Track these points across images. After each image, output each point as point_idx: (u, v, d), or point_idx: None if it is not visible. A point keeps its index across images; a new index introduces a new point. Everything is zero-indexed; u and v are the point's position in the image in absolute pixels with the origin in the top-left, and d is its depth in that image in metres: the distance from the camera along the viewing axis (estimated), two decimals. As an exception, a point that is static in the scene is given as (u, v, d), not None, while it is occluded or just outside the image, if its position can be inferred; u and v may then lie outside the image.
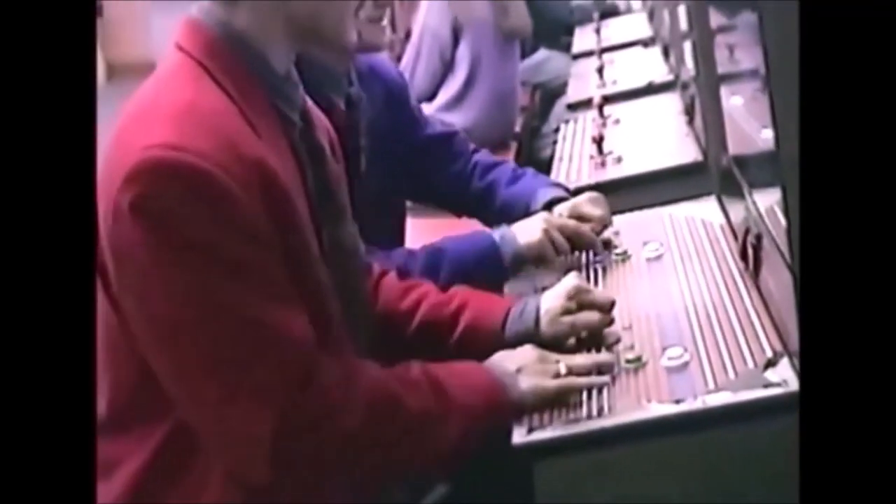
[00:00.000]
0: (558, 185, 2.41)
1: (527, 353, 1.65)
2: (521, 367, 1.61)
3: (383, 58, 2.41)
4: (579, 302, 1.75)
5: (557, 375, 1.60)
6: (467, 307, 1.81)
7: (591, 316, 1.73)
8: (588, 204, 2.21)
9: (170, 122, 1.43)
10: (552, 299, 1.77)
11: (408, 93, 2.41)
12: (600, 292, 1.82)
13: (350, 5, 1.61)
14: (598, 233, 2.14)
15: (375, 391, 1.51)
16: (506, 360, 1.64)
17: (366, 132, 2.17)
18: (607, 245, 2.12)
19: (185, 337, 1.42)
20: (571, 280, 1.79)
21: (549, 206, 2.25)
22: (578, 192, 2.34)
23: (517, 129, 4.68)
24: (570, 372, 1.60)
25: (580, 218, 2.17)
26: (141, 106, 1.50)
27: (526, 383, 1.59)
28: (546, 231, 2.09)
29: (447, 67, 4.26)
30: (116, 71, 9.71)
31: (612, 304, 1.75)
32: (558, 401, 1.56)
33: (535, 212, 2.24)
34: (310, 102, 1.68)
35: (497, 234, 2.13)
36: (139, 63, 9.15)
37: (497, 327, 1.78)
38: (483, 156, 2.47)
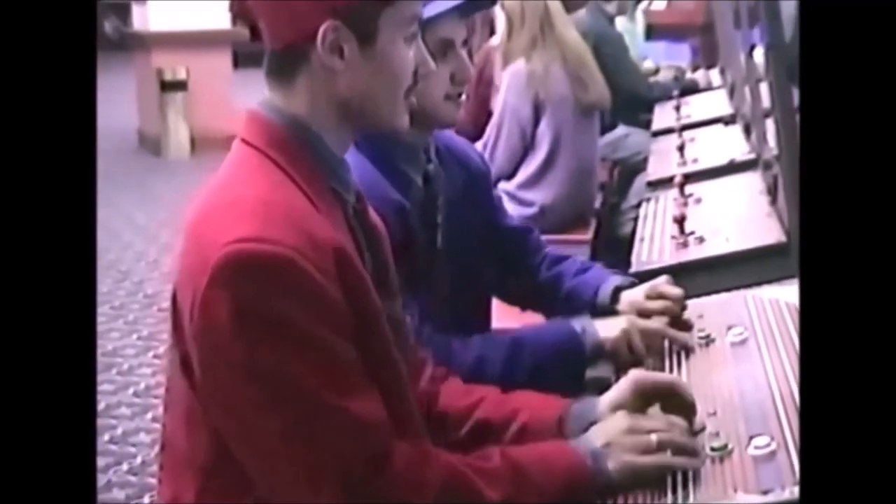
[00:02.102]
0: (626, 275, 2.40)
1: (617, 422, 1.63)
2: (609, 441, 1.59)
3: (465, 142, 2.42)
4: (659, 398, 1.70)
5: (649, 449, 1.58)
6: (524, 407, 1.77)
7: (674, 430, 1.63)
8: (668, 286, 2.20)
9: (248, 216, 1.47)
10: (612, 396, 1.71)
11: (490, 181, 2.44)
12: (687, 392, 1.72)
13: (399, 88, 1.62)
14: (679, 314, 2.14)
15: (450, 478, 1.51)
16: (594, 434, 1.62)
17: (443, 211, 2.18)
18: (688, 327, 2.10)
19: (265, 423, 1.45)
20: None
21: (615, 293, 2.25)
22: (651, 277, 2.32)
23: (596, 205, 4.67)
24: (663, 446, 1.58)
25: (659, 297, 2.17)
26: (216, 202, 1.54)
27: (615, 460, 1.56)
28: (626, 331, 2.09)
29: (527, 145, 4.26)
30: (200, 143, 9.86)
31: (693, 406, 1.69)
32: (650, 479, 1.54)
33: (602, 300, 2.26)
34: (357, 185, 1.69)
35: (578, 324, 2.13)
36: (223, 136, 9.30)
37: (552, 425, 1.72)
38: (552, 250, 2.48)
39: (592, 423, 1.68)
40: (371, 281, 1.57)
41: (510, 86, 4.23)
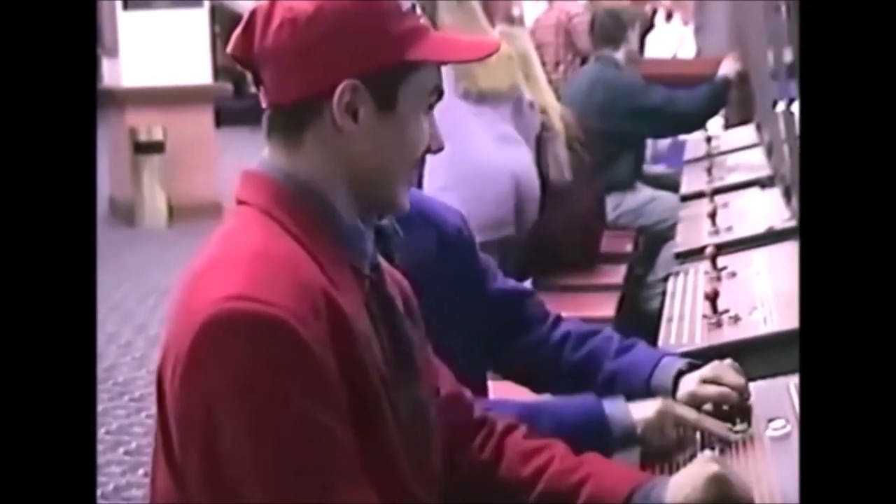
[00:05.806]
0: (681, 356, 2.28)
1: None
2: None
3: (445, 206, 2.39)
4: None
5: None
6: (590, 479, 1.77)
7: None
8: (731, 370, 2.11)
9: (241, 270, 1.49)
10: (687, 490, 1.69)
11: (471, 241, 2.37)
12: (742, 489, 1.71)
13: (410, 162, 1.66)
14: (741, 403, 2.07)
15: None
16: None
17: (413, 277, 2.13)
18: (747, 415, 2.05)
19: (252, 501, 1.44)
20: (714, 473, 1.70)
21: (677, 378, 2.15)
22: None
23: (590, 254, 4.65)
24: None
25: (720, 383, 2.09)
26: (211, 256, 1.56)
27: None
28: (661, 414, 2.03)
29: None
30: (178, 211, 9.89)
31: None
32: None
33: (661, 385, 2.16)
34: (381, 259, 1.71)
35: (607, 402, 2.07)
36: (203, 204, 9.34)
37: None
38: (575, 324, 2.38)
39: None
40: (385, 357, 1.58)
41: None
